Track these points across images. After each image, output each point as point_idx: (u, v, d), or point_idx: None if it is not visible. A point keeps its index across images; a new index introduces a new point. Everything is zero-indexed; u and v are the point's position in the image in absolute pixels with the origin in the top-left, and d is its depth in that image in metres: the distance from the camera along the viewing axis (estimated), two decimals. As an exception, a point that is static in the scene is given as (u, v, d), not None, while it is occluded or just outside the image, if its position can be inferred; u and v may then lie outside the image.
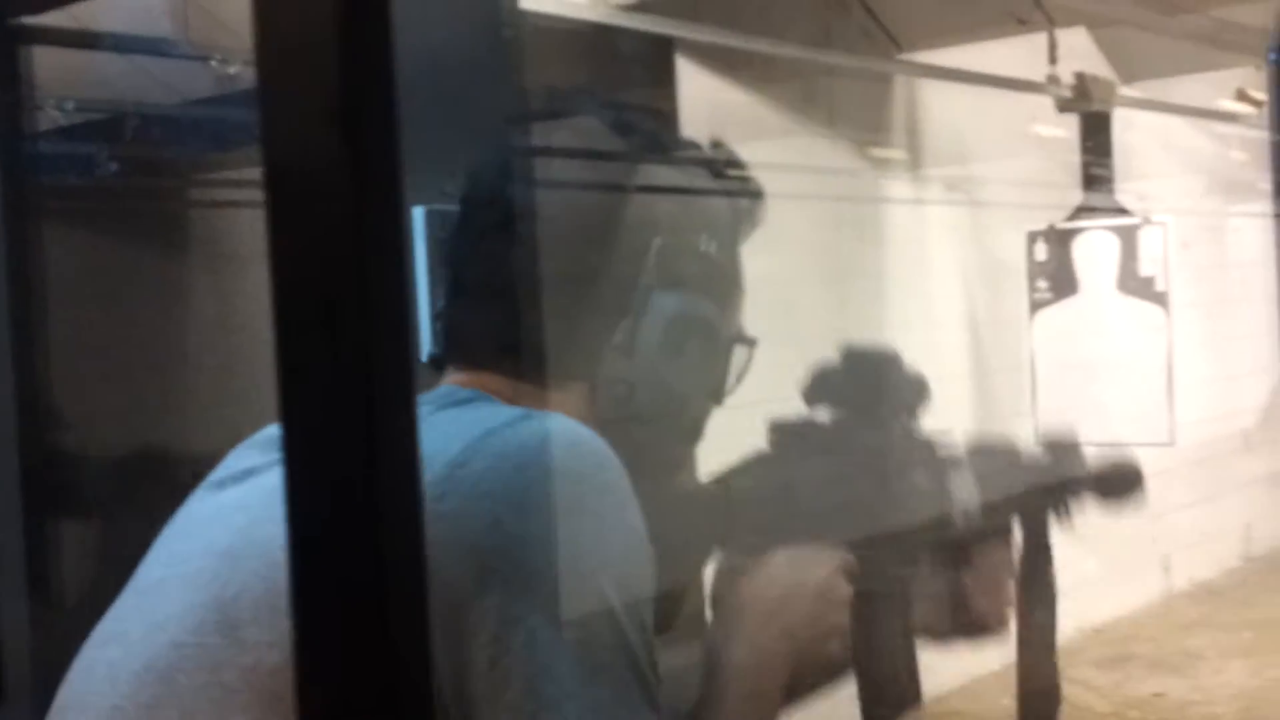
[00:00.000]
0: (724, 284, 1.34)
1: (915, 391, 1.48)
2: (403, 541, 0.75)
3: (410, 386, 0.77)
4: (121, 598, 1.21)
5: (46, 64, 3.38)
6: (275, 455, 1.20)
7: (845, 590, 1.31)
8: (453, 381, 1.25)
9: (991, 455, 1.54)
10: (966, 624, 1.48)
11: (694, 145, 1.41)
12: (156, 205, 3.81)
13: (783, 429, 1.40)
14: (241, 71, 3.46)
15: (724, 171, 1.40)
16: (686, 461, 1.38)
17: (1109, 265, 5.72)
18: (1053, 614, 1.55)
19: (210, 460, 1.31)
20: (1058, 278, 5.74)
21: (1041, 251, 5.75)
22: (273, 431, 1.23)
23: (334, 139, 0.73)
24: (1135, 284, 5.68)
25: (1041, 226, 5.74)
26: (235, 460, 1.26)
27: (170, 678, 1.09)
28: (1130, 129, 6.25)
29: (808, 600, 1.29)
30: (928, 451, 1.49)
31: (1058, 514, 1.59)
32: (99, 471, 3.45)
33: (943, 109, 5.81)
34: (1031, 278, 5.77)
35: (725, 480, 1.37)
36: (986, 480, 1.50)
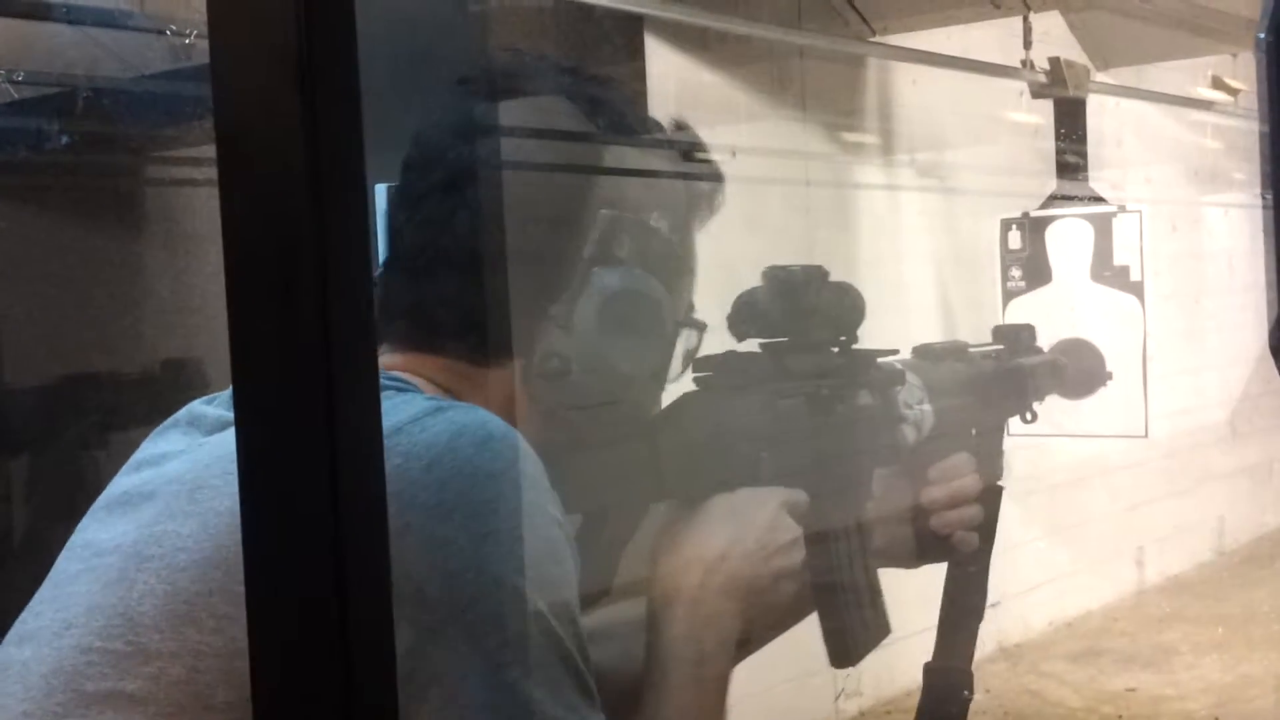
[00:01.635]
0: (673, 264, 1.28)
1: (849, 308, 1.40)
2: (365, 526, 0.72)
3: (372, 361, 0.74)
4: (41, 589, 1.17)
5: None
6: (191, 439, 1.16)
7: (792, 529, 1.26)
8: (383, 364, 1.18)
9: (940, 361, 1.48)
10: (931, 544, 1.43)
11: (656, 125, 1.34)
12: (110, 182, 3.72)
13: (709, 364, 1.32)
14: (197, 44, 3.37)
15: (685, 153, 1.35)
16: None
17: (1083, 254, 5.68)
18: (989, 549, 1.48)
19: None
20: (1031, 266, 5.69)
21: (1015, 240, 5.71)
22: (196, 409, 1.19)
23: (291, 102, 0.69)
24: (1110, 273, 5.63)
25: (1015, 214, 5.69)
26: (154, 443, 1.21)
27: (78, 685, 1.05)
28: (1104, 116, 6.21)
29: (751, 547, 1.24)
30: (869, 369, 1.41)
31: (1020, 412, 1.55)
32: (47, 455, 3.37)
33: (916, 94, 5.76)
34: (1005, 266, 5.72)
35: (650, 431, 1.29)
36: (938, 389, 1.43)
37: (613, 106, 1.28)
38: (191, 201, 3.83)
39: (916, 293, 5.98)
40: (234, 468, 1.05)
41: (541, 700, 1.00)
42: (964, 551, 1.44)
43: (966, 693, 1.55)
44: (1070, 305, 5.69)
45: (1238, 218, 7.78)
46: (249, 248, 0.69)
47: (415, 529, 0.99)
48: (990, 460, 1.49)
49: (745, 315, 1.36)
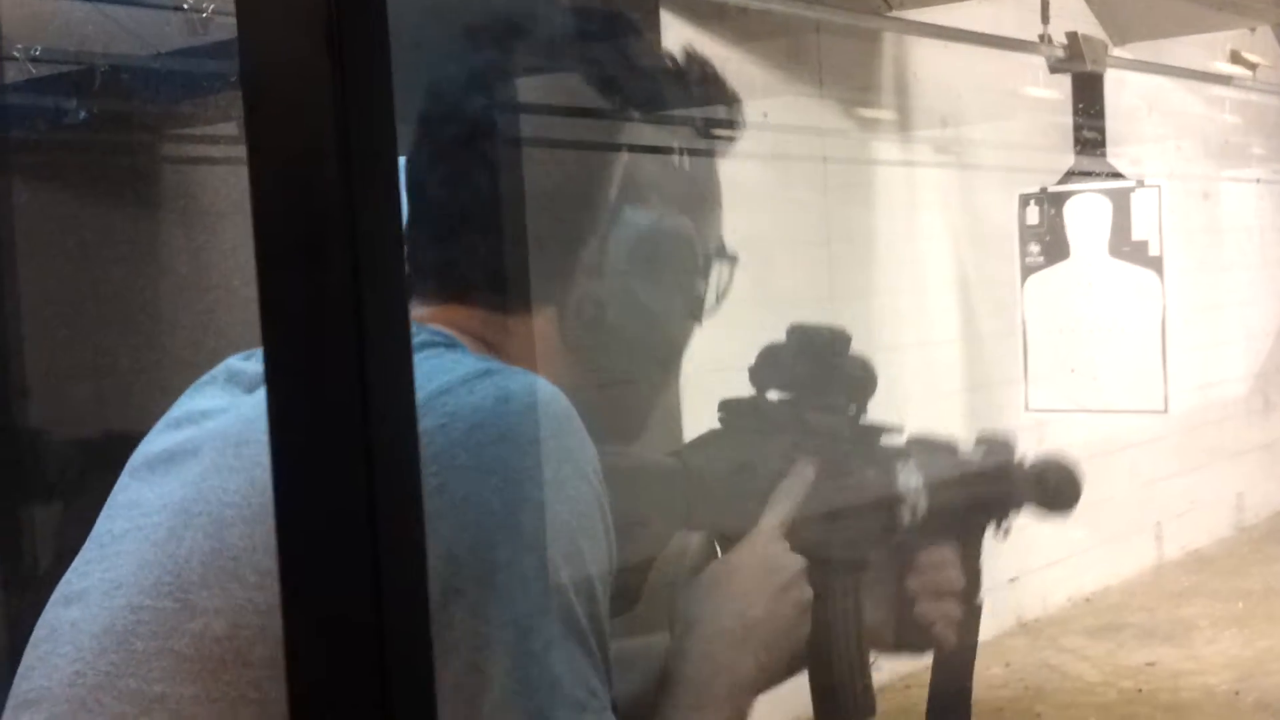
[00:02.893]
0: (698, 198, 1.27)
1: (865, 380, 1.41)
2: (398, 487, 0.71)
3: (404, 318, 0.73)
4: (84, 550, 1.15)
5: (8, 15, 3.30)
6: (232, 396, 1.15)
7: (806, 592, 1.25)
8: (415, 318, 1.17)
9: (934, 453, 1.45)
10: (911, 633, 1.41)
11: (670, 57, 1.33)
12: (127, 159, 3.72)
13: (733, 407, 1.34)
14: (213, 19, 3.38)
15: (698, 82, 1.31)
16: (664, 396, 1.30)
17: (1101, 229, 5.66)
18: (975, 631, 1.46)
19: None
20: (1049, 242, 5.68)
21: (1033, 215, 5.69)
22: (234, 365, 1.18)
23: (319, 56, 0.67)
24: (1128, 248, 5.62)
25: (1033, 190, 5.67)
26: (193, 399, 1.19)
27: (128, 644, 1.04)
28: (1123, 91, 6.19)
29: (774, 594, 1.23)
30: (876, 442, 1.41)
31: (996, 525, 1.50)
32: (70, 430, 3.38)
33: (933, 69, 5.74)
34: (1023, 242, 5.71)
35: (682, 455, 1.30)
36: (930, 479, 1.42)
37: (626, 49, 1.27)
38: (209, 178, 3.82)
39: (934, 269, 5.96)
40: None
41: (562, 675, 0.99)
42: (942, 647, 1.42)
43: None
44: (1088, 281, 5.68)
45: (1257, 192, 7.74)
46: (278, 211, 0.69)
47: (450, 489, 0.98)
48: (972, 566, 1.46)
49: (768, 367, 1.37)
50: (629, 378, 1.25)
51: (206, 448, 1.09)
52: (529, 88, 1.25)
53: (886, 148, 5.76)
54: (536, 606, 0.98)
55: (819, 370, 1.38)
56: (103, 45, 3.45)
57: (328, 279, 0.68)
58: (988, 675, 5.65)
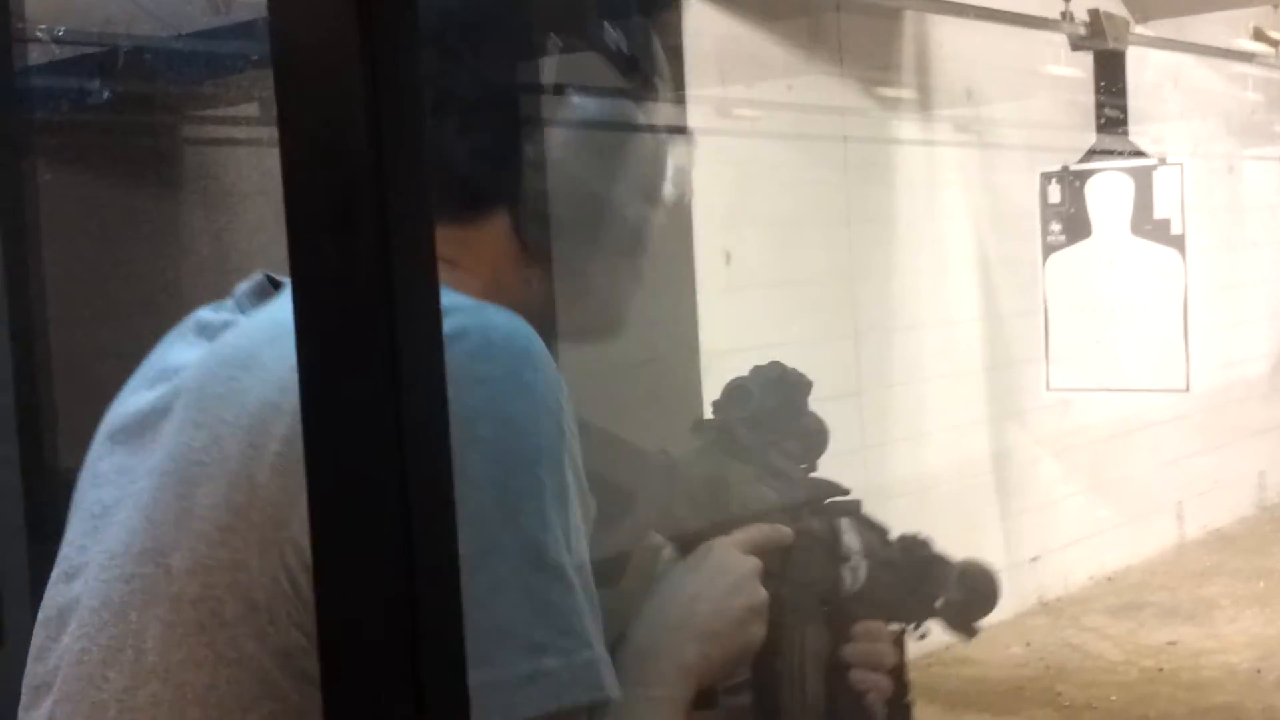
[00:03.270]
0: (643, 75, 1.21)
1: (817, 435, 1.40)
2: (429, 459, 0.71)
3: (434, 284, 0.72)
4: (74, 522, 1.14)
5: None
6: (199, 348, 1.11)
7: (759, 594, 1.23)
8: None
9: (869, 529, 1.43)
10: (844, 699, 1.38)
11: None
12: (149, 140, 3.73)
13: (706, 429, 1.34)
14: (235, 0, 3.38)
15: None
16: (636, 285, 1.26)
17: (1123, 208, 5.65)
18: None
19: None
20: (1071, 220, 5.67)
21: (1055, 194, 5.68)
22: (203, 316, 1.14)
23: (348, 18, 0.67)
24: (1150, 227, 5.61)
25: (1055, 168, 5.66)
26: (164, 354, 1.16)
27: (124, 615, 1.03)
28: (1144, 69, 6.16)
29: (724, 592, 1.22)
30: (823, 499, 1.40)
31: (920, 616, 1.49)
32: (94, 404, 3.39)
33: (954, 47, 5.72)
34: (1044, 220, 5.70)
35: (669, 452, 1.29)
36: (867, 552, 1.41)
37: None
38: (230, 159, 3.83)
39: (955, 248, 5.95)
40: (239, 374, 1.02)
41: (515, 618, 0.95)
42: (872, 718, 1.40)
43: None
44: (1110, 259, 5.67)
45: (1278, 171, 7.72)
46: (307, 162, 0.69)
47: None
48: (899, 660, 1.44)
49: (733, 404, 1.36)
50: (594, 271, 1.22)
51: (174, 405, 1.07)
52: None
53: (907, 127, 5.75)
54: (492, 546, 0.95)
55: (780, 413, 1.37)
56: (125, 26, 3.46)
57: (357, 248, 0.68)
58: (1008, 654, 5.66)
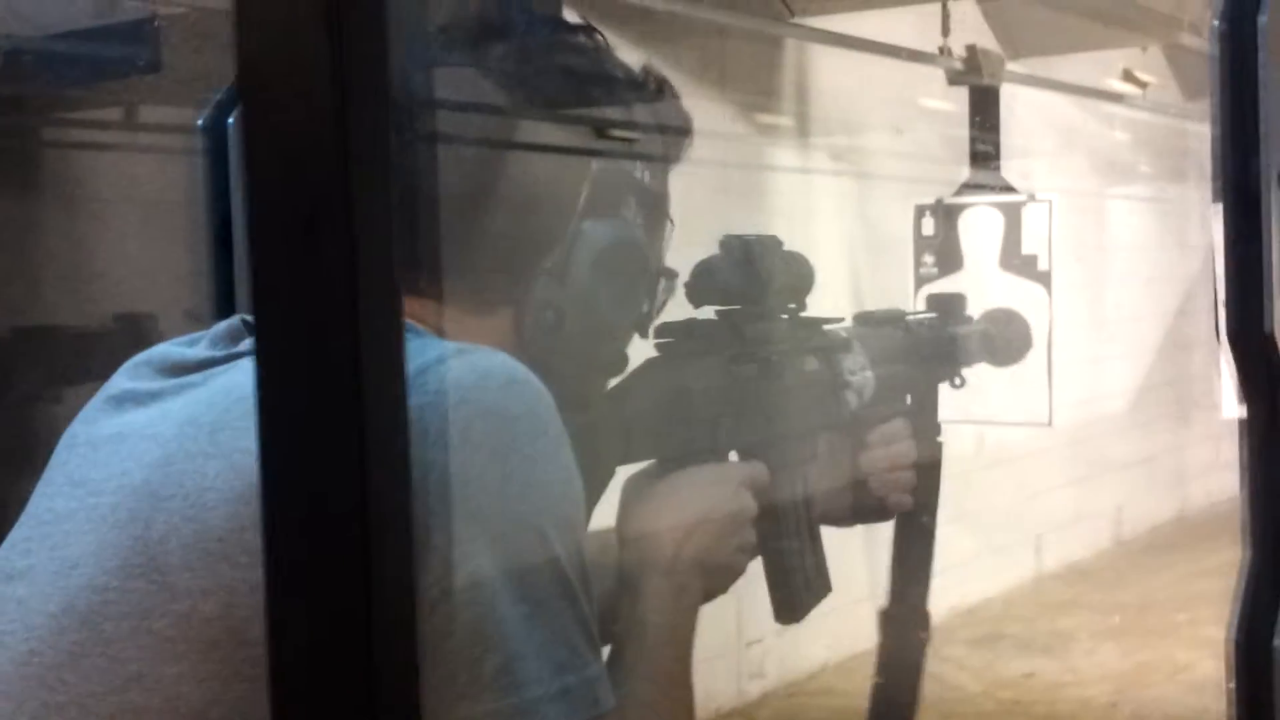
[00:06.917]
0: (655, 213, 1.32)
1: (800, 276, 1.48)
2: (390, 472, 0.72)
3: (398, 303, 0.74)
4: (20, 526, 1.17)
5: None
6: (178, 379, 1.15)
7: (750, 506, 1.33)
8: None
9: (879, 327, 1.56)
10: (867, 505, 1.52)
11: (630, 70, 1.37)
12: (10, 143, 3.62)
13: (669, 330, 1.39)
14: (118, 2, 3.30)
15: (656, 97, 1.37)
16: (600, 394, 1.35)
17: (994, 242, 5.70)
18: (935, 501, 1.57)
19: (68, 410, 1.24)
20: (944, 253, 5.70)
21: (928, 226, 5.71)
22: (167, 351, 1.19)
23: (319, 37, 0.67)
24: (1018, 262, 5.66)
25: (929, 201, 5.70)
26: (132, 379, 1.20)
27: (94, 623, 1.06)
28: (1016, 105, 6.24)
29: (714, 524, 1.30)
30: (817, 336, 1.49)
31: (950, 377, 1.63)
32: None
33: (834, 77, 5.74)
34: (918, 252, 5.73)
35: (618, 394, 1.33)
36: (877, 356, 1.52)
37: (589, 53, 1.31)
38: (96, 165, 3.74)
39: (829, 276, 5.96)
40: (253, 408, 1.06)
41: (546, 641, 1.01)
42: (898, 512, 1.54)
43: (923, 634, 1.63)
44: (980, 293, 5.71)
45: (1142, 211, 7.86)
46: (273, 183, 0.68)
47: (437, 465, 0.99)
48: (928, 422, 1.57)
49: (703, 283, 1.41)
50: (578, 386, 1.27)
51: (166, 430, 1.10)
52: (492, 90, 1.25)
53: (784, 154, 5.77)
54: (528, 575, 1.01)
55: (754, 277, 1.41)
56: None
57: (323, 260, 0.68)
58: (867, 684, 5.67)
